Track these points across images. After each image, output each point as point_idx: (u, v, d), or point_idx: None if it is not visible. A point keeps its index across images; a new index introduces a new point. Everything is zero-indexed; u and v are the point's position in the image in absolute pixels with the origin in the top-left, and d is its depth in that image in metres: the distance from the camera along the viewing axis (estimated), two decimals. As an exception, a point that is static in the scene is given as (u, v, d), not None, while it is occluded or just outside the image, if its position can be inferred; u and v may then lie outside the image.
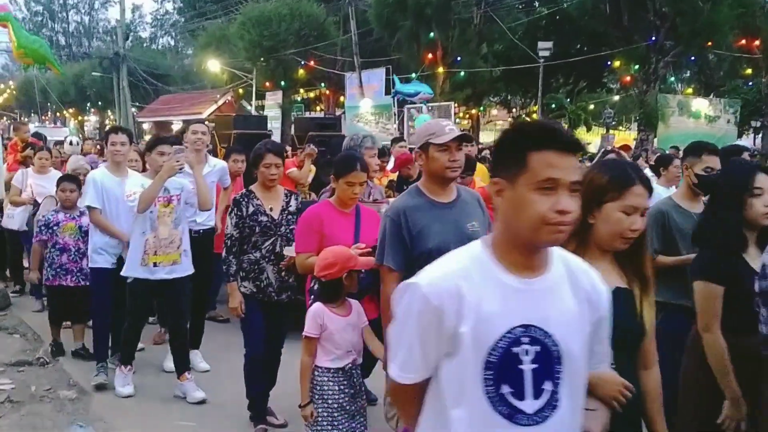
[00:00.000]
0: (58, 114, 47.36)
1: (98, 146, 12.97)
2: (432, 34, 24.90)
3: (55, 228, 6.43)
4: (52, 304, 6.64)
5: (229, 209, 4.74)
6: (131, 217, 5.65)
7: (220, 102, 36.05)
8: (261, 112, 31.24)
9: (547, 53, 24.05)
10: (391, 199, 5.18)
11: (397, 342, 1.88)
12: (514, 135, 1.85)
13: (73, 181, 6.64)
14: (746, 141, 24.68)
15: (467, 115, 30.48)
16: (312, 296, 4.04)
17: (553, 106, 29.40)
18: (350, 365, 3.81)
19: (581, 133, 31.40)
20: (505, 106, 38.59)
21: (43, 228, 6.48)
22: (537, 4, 28.85)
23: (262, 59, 29.67)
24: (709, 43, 24.11)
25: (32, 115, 56.06)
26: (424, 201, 3.47)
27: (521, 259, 1.81)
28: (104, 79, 41.42)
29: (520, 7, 27.03)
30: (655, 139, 23.39)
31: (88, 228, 6.14)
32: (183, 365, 5.61)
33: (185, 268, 5.51)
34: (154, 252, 5.32)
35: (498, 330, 1.76)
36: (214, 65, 31.93)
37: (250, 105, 31.80)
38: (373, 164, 4.80)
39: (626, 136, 11.31)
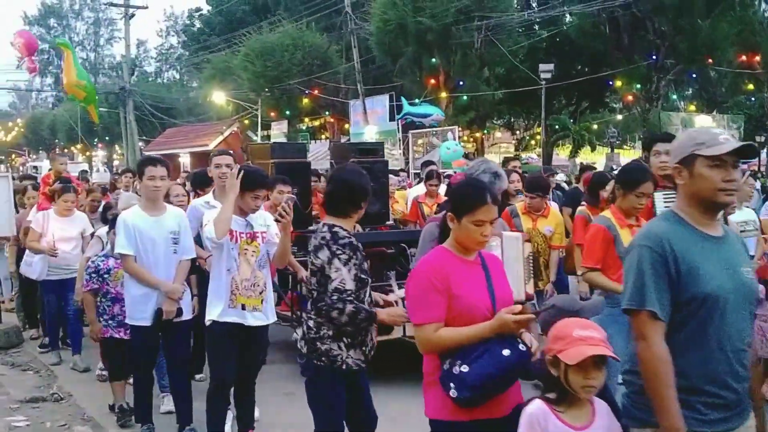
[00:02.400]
0: (65, 150, 47.75)
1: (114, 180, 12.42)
2: (434, 59, 25.11)
3: (106, 276, 5.59)
4: (111, 360, 5.78)
5: (345, 258, 3.59)
6: (173, 263, 5.06)
7: (226, 133, 36.32)
8: (267, 142, 31.46)
9: (548, 75, 24.23)
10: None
11: None
12: None
13: None
14: (751, 156, 24.64)
15: (471, 139, 30.60)
16: (453, 385, 2.84)
17: (557, 127, 29.52)
18: None
19: (586, 153, 31.52)
20: (509, 129, 38.71)
21: (93, 275, 5.60)
22: (537, 27, 29.09)
23: (266, 90, 30.01)
24: (710, 60, 24.27)
25: (40, 152, 56.58)
26: (689, 231, 2.62)
27: None
28: (111, 114, 41.82)
29: (521, 30, 27.25)
30: (660, 157, 23.41)
31: None
32: (249, 421, 4.96)
33: (268, 316, 4.79)
34: (239, 293, 4.62)
35: None
36: (219, 97, 32.26)
37: (256, 135, 32.03)
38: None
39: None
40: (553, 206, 7.02)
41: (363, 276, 3.65)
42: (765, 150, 26.11)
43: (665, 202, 4.66)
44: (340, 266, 3.54)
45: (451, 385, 2.83)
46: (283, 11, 35.23)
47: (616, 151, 29.54)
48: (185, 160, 38.38)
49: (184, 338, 5.26)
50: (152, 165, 5.07)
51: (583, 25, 25.30)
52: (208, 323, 4.63)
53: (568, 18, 27.41)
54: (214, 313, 4.59)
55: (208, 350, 4.83)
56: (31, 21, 68.43)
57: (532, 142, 35.94)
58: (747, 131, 26.28)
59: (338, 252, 3.56)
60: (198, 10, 50.92)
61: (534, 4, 31.13)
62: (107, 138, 47.48)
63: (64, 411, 6.06)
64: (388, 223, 8.59)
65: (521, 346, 2.83)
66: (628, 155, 34.01)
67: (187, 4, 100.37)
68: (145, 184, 5.05)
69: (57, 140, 52.77)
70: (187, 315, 5.17)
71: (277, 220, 4.43)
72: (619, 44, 24.29)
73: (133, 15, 36.81)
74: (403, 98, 23.11)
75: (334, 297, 3.54)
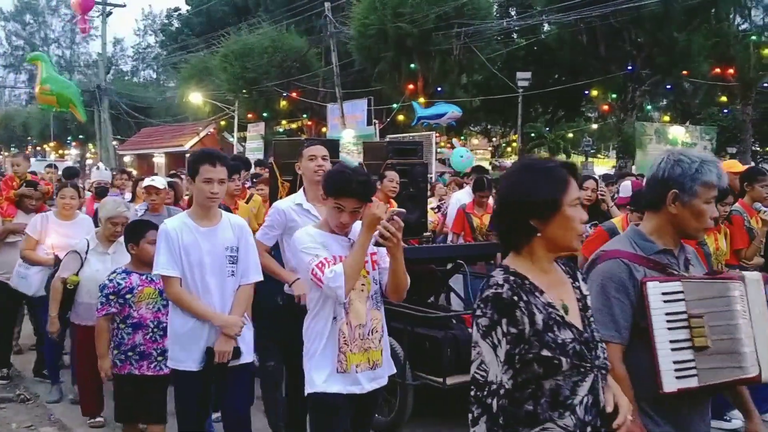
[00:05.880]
0: (38, 148, 47.21)
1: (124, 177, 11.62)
2: (413, 64, 25.21)
3: (128, 296, 4.47)
4: (122, 397, 4.60)
5: (485, 325, 2.11)
6: (229, 289, 3.92)
7: (203, 134, 36.19)
8: (243, 143, 31.36)
9: (525, 83, 24.42)
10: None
11: None
12: None
13: (151, 226, 4.58)
14: (723, 167, 25.10)
15: (448, 145, 30.75)
16: None
17: (533, 135, 29.74)
18: None
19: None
20: (486, 135, 38.97)
21: (110, 296, 4.47)
22: (515, 35, 29.30)
23: (244, 91, 29.91)
24: (685, 72, 24.61)
25: (11, 149, 55.87)
26: None
27: None
28: (85, 113, 41.39)
29: (499, 38, 27.44)
30: (633, 167, 23.73)
31: None
32: None
33: (387, 370, 3.51)
34: (350, 349, 3.32)
35: None
36: (196, 97, 32.08)
37: (232, 136, 31.90)
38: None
39: (732, 162, 9.27)
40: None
41: (547, 354, 2.07)
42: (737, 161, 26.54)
43: None
44: (478, 339, 2.12)
45: None
46: (263, 13, 35.15)
47: (590, 159, 29.81)
48: (160, 160, 38.13)
49: (243, 388, 4.03)
50: (210, 163, 3.86)
51: (561, 34, 25.54)
52: (310, 393, 3.36)
53: (546, 27, 27.65)
54: (317, 381, 3.31)
55: (312, 428, 3.57)
56: (6, 17, 67.58)
57: (509, 149, 36.18)
58: (720, 143, 26.70)
59: (477, 315, 2.13)
60: (177, 9, 50.73)
61: (513, 13, 31.38)
62: (81, 136, 46.96)
63: (31, 412, 6.00)
64: (425, 234, 7.77)
65: None
66: (602, 164, 34.38)
67: (165, 3, 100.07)
68: (199, 187, 3.87)
69: (30, 138, 52.12)
70: (247, 357, 4.03)
71: (378, 244, 3.18)
72: (596, 54, 24.55)
73: (110, 13, 36.56)
74: (414, 103, 23.06)
75: (472, 393, 2.13)
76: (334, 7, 27.66)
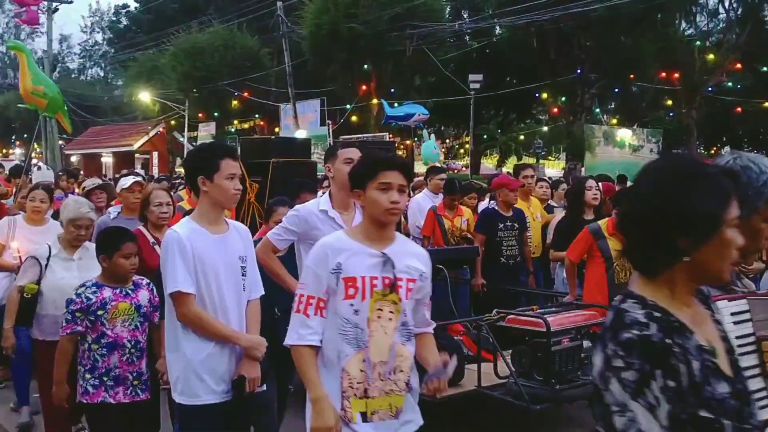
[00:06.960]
0: (-20, 147, 45.91)
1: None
2: (366, 65, 25.20)
3: (100, 313, 3.90)
4: (97, 429, 3.99)
5: (632, 380, 1.52)
6: (243, 304, 3.41)
7: (152, 133, 35.61)
8: (194, 143, 30.94)
9: (477, 85, 24.61)
10: None
11: None
12: None
13: (128, 237, 4.07)
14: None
15: (402, 146, 30.87)
16: None
17: (485, 137, 30.03)
18: None
19: (512, 163, 32.25)
20: (439, 137, 39.20)
21: (77, 314, 3.88)
22: (467, 38, 29.53)
23: (194, 90, 29.53)
24: (632, 76, 25.14)
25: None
26: None
27: None
28: (30, 111, 40.26)
29: (452, 40, 27.63)
30: (583, 168, 24.12)
31: (148, 309, 4.04)
32: None
33: (413, 416, 2.82)
34: (364, 391, 2.68)
35: None
36: (145, 96, 31.54)
37: (183, 136, 31.45)
38: None
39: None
40: None
41: (706, 414, 1.56)
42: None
43: None
44: (626, 401, 1.54)
45: None
46: (214, 11, 34.75)
47: (541, 162, 30.25)
48: (108, 160, 37.37)
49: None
50: (230, 157, 3.35)
51: (512, 37, 25.84)
52: None
53: (497, 30, 27.96)
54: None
55: None
56: (-54, 11, 65.39)
57: (461, 150, 36.46)
58: (665, 145, 27.37)
59: (617, 365, 1.57)
60: (125, 6, 49.86)
61: (465, 15, 31.62)
62: (25, 136, 45.76)
63: (-30, 419, 5.79)
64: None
65: None
66: (552, 166, 34.93)
67: (113, 0, 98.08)
68: (221, 184, 3.30)
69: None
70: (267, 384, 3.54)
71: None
72: (547, 58, 24.91)
73: (56, 9, 35.66)
74: (384, 102, 22.95)
75: None
76: (286, 6, 27.49)
